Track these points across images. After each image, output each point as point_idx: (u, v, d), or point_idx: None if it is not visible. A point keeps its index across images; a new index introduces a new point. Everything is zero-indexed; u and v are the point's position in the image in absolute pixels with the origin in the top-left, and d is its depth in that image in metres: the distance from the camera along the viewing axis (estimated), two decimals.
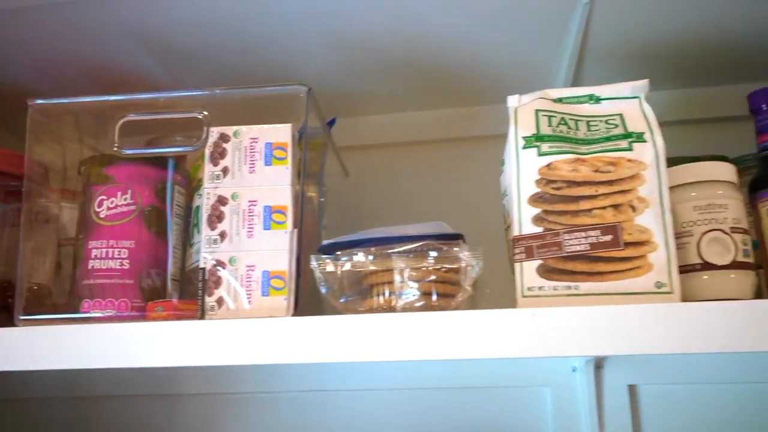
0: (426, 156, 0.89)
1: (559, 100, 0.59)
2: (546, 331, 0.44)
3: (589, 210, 0.51)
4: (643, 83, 0.57)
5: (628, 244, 0.50)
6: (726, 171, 0.59)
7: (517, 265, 0.52)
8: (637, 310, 0.45)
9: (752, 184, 0.63)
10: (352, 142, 0.86)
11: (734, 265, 0.56)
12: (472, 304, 0.61)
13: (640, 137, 0.53)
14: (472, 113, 0.87)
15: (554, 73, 0.78)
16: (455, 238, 0.47)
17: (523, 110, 0.58)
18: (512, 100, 0.60)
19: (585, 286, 0.50)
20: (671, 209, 0.51)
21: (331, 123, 0.69)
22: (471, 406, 0.80)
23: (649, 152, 0.52)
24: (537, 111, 0.57)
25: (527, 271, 0.51)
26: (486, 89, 0.83)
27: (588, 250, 0.50)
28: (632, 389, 0.77)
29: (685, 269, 0.58)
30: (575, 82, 0.80)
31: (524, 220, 0.53)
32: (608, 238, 0.50)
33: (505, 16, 0.68)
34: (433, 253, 0.45)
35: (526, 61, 0.76)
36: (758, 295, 0.62)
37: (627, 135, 0.54)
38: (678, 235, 0.59)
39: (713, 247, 0.57)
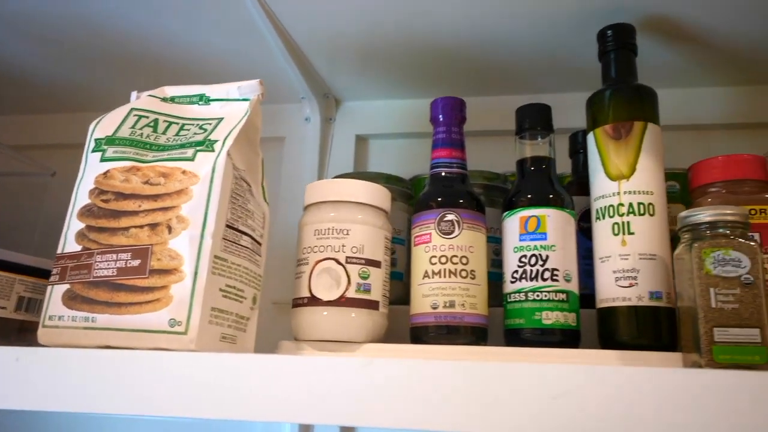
0: None
1: (171, 99, 0.51)
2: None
3: (127, 229, 0.43)
4: (252, 84, 0.49)
5: (154, 272, 0.41)
6: (358, 190, 0.51)
7: (48, 288, 0.44)
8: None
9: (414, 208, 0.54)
10: (68, 140, 0.79)
11: (344, 302, 0.48)
12: None
13: (210, 146, 0.45)
14: None
15: (287, 74, 0.69)
16: None
17: (120, 109, 0.50)
18: (132, 97, 0.52)
19: (102, 318, 0.41)
20: (216, 233, 0.42)
21: None
22: None
23: (208, 164, 0.44)
24: (132, 110, 0.49)
25: (54, 297, 0.43)
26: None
27: (114, 276, 0.42)
28: None
29: (297, 303, 0.50)
30: (314, 85, 0.72)
31: (69, 235, 0.45)
32: (137, 263, 0.42)
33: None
34: None
35: (236, 55, 0.68)
36: (384, 336, 0.52)
37: (201, 143, 0.45)
38: (298, 263, 0.51)
39: (322, 279, 0.49)
